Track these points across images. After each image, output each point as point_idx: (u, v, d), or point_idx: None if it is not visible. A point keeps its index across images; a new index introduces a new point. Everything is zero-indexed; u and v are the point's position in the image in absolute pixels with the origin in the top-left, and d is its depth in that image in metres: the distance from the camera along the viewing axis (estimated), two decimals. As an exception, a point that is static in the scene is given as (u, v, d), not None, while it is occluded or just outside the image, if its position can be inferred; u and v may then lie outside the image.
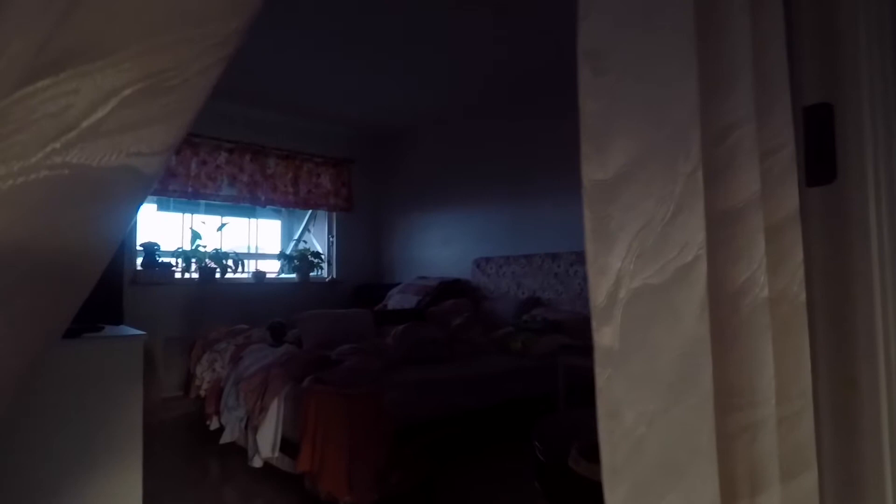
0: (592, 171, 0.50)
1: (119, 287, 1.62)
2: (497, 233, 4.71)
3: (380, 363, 2.66)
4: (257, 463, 2.51)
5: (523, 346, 3.40)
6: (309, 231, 6.02)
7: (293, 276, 5.39)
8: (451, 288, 4.75)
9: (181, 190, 4.62)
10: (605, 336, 0.49)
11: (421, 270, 5.42)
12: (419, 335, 3.09)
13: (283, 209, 5.90)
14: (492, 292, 4.58)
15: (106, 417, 1.72)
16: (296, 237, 5.91)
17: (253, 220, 5.80)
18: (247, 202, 4.99)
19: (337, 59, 4.07)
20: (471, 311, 4.30)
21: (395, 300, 4.89)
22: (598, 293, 0.50)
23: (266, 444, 2.40)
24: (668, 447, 0.52)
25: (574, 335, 3.59)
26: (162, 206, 5.06)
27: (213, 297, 4.75)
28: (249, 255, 5.42)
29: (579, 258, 3.91)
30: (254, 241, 5.67)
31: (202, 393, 3.16)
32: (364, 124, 5.65)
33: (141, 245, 4.48)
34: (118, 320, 1.67)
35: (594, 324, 0.49)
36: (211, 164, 4.78)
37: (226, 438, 2.77)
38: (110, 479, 1.73)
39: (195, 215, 5.10)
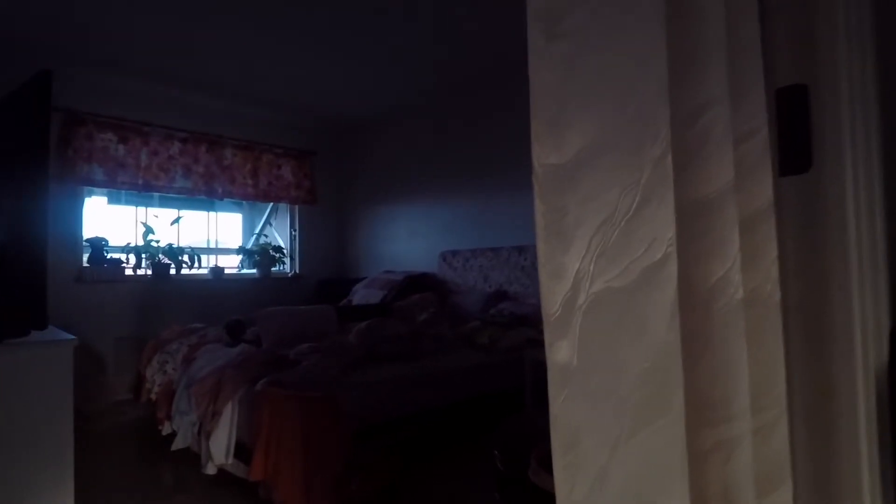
0: (545, 154, 0.42)
1: (41, 287, 1.47)
2: (464, 225, 4.64)
3: (341, 362, 2.56)
4: (211, 470, 2.37)
5: (490, 340, 3.35)
6: (270, 225, 5.82)
7: (254, 271, 5.20)
8: (418, 282, 4.66)
9: (131, 182, 4.37)
10: (560, 351, 0.41)
11: (387, 264, 5.31)
12: (383, 332, 2.99)
13: (245, 203, 5.67)
14: (459, 286, 4.52)
15: (33, 431, 1.57)
16: (257, 231, 5.70)
17: (212, 214, 5.56)
18: (202, 194, 4.77)
19: (294, 48, 3.90)
20: (437, 305, 4.22)
21: (360, 295, 4.77)
22: (552, 301, 0.42)
23: (219, 450, 2.27)
24: (633, 476, 0.45)
25: (541, 329, 3.56)
26: (113, 200, 4.78)
27: (168, 294, 4.53)
28: (206, 251, 5.20)
29: (546, 251, 3.88)
30: (213, 235, 5.44)
31: (153, 396, 2.99)
32: (325, 116, 5.48)
33: (87, 240, 4.22)
34: (42, 324, 1.52)
35: (548, 338, 0.41)
36: (163, 154, 4.54)
37: (178, 444, 2.63)
38: (40, 500, 1.58)
39: (149, 209, 4.84)
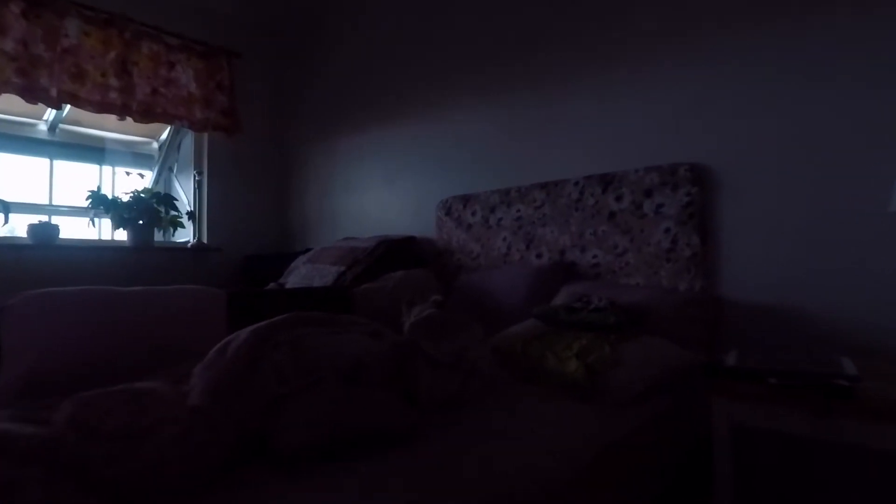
0: None
1: None
2: (483, 154, 2.63)
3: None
4: None
5: (586, 368, 1.35)
6: (171, 170, 3.72)
7: (124, 238, 3.09)
8: (400, 251, 2.65)
9: None
10: None
11: (352, 229, 3.28)
12: (305, 355, 0.97)
13: (160, 151, 3.57)
14: (476, 256, 2.51)
15: None
16: (154, 171, 3.59)
17: (106, 169, 3.45)
18: (16, 91, 2.64)
19: None
20: (441, 289, 2.24)
21: (298, 275, 2.73)
22: None
23: None
24: None
25: (679, 337, 1.59)
26: None
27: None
28: (30, 206, 3.06)
29: (667, 178, 1.91)
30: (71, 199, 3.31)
31: None
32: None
33: None
34: None
35: None
36: (-76, 7, 2.42)
37: None
38: None
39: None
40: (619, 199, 2.03)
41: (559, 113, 2.30)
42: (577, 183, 2.16)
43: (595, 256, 2.09)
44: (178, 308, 1.60)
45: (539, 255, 2.26)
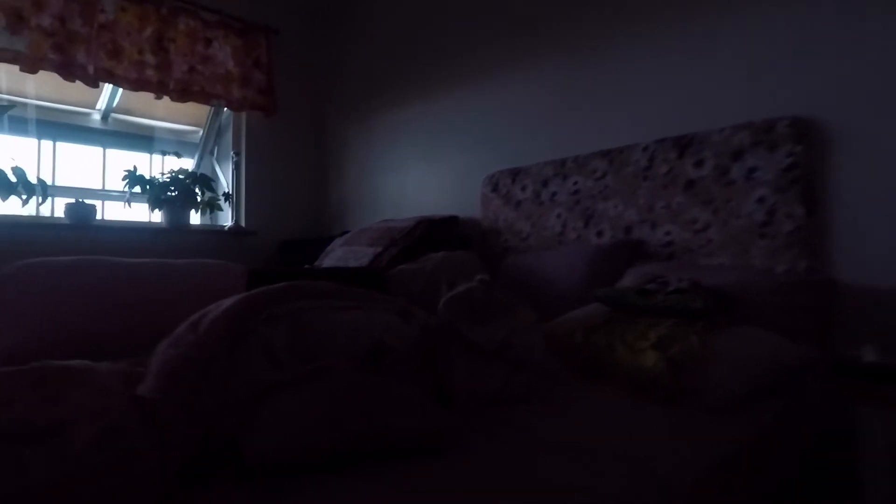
0: None
1: None
2: (534, 122, 2.35)
3: None
4: None
5: (668, 362, 1.07)
6: (211, 154, 3.64)
7: (158, 219, 3.02)
8: (441, 231, 2.42)
9: None
10: None
11: (392, 211, 3.08)
12: (301, 332, 0.74)
13: (203, 137, 3.51)
14: (525, 236, 2.24)
15: None
16: (196, 156, 3.52)
17: (156, 158, 3.41)
18: (53, 68, 2.59)
19: None
20: (485, 272, 1.98)
21: (335, 257, 2.55)
22: None
23: None
24: None
25: (779, 328, 1.27)
26: (16, 129, 2.71)
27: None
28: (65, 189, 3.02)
29: (762, 136, 1.57)
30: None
31: None
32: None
33: None
34: None
35: None
36: (-38, -17, 2.39)
37: None
38: None
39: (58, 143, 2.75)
40: (699, 164, 1.70)
41: (623, 69, 1.99)
42: (646, 148, 1.85)
43: (668, 233, 1.77)
44: (192, 284, 1.43)
45: (600, 234, 1.96)
